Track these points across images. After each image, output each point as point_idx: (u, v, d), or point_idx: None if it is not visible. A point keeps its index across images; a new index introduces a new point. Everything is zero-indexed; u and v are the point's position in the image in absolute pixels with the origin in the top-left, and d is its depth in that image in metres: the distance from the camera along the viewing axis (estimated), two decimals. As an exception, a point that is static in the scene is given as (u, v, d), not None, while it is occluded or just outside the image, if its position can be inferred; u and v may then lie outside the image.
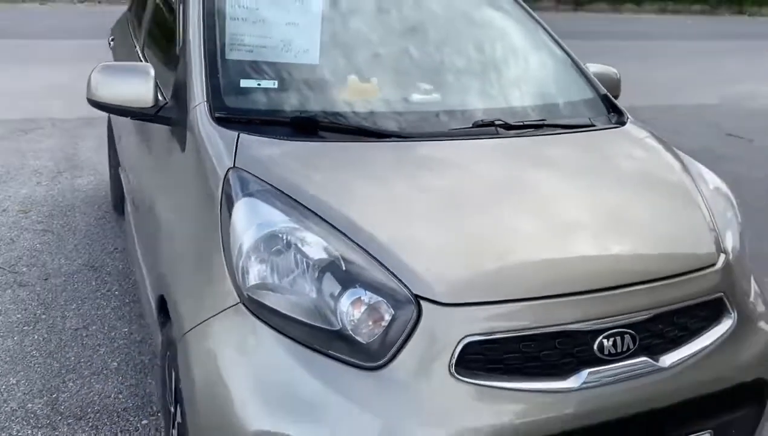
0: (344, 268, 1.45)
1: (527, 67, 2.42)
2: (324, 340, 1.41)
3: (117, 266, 3.37)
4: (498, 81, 2.30)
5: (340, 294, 1.43)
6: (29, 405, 2.35)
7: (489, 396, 1.37)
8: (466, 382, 1.36)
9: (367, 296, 1.42)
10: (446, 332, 1.38)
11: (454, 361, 1.36)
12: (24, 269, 3.28)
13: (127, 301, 3.05)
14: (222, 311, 1.48)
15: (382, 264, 1.44)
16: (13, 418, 2.28)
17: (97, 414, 2.32)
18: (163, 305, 1.90)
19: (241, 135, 1.73)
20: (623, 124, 2.21)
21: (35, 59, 7.83)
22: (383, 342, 1.39)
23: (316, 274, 1.46)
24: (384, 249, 1.46)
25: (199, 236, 1.66)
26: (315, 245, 1.48)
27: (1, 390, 2.41)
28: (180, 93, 1.97)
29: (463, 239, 1.54)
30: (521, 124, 2.00)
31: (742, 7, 21.17)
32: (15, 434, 2.21)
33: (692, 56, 11.87)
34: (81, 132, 5.54)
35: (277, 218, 1.53)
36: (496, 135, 1.95)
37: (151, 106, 1.96)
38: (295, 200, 1.55)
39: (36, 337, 2.74)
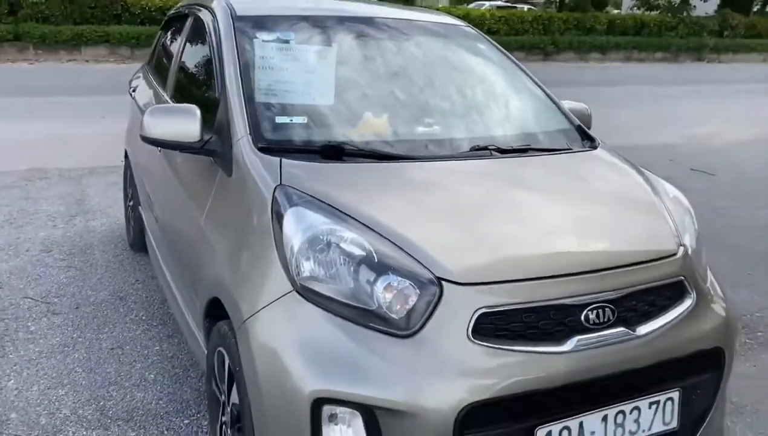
0: (376, 259, 1.79)
1: (513, 102, 2.83)
2: (364, 317, 1.74)
3: (141, 295, 3.65)
4: (489, 114, 2.72)
5: (375, 281, 1.77)
6: (80, 411, 2.61)
7: (498, 356, 1.70)
8: (480, 345, 1.69)
9: (397, 281, 1.76)
10: (464, 305, 1.72)
11: (470, 328, 1.70)
12: (55, 300, 3.55)
13: (155, 324, 3.33)
14: (279, 298, 1.81)
15: (408, 254, 1.78)
16: (67, 422, 2.54)
17: (143, 417, 2.59)
18: (210, 310, 2.22)
19: (283, 159, 2.09)
20: (595, 148, 2.61)
21: (34, 115, 8.17)
22: (412, 316, 1.72)
23: (354, 265, 1.80)
24: (409, 242, 1.80)
25: (252, 242, 1.99)
26: (351, 242, 1.82)
27: (53, 400, 2.67)
28: (223, 129, 2.32)
29: (473, 234, 1.90)
30: (511, 148, 2.39)
31: (701, 55, 22.30)
32: (72, 434, 2.47)
33: (657, 100, 12.59)
34: (86, 180, 5.85)
35: (319, 221, 1.87)
36: (490, 157, 2.33)
37: (198, 141, 2.31)
38: (332, 206, 1.90)
39: (76, 356, 3.01)
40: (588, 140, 2.67)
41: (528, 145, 2.48)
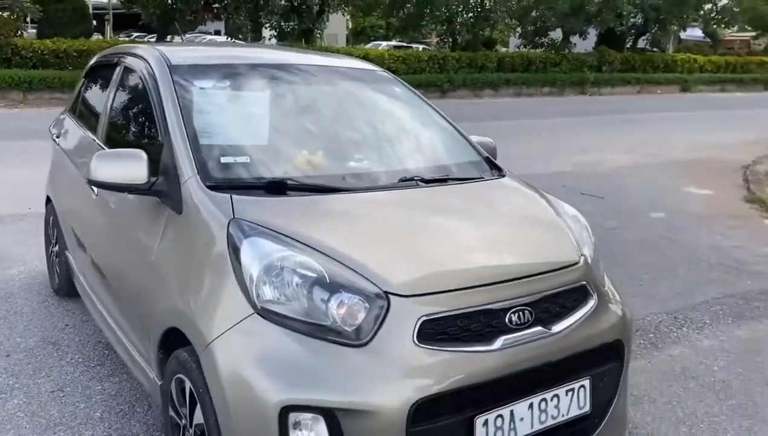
0: (328, 279, 2.02)
1: (430, 138, 3.17)
2: (320, 331, 1.96)
3: (73, 339, 3.67)
4: (410, 149, 3.03)
5: (329, 299, 2.00)
6: (29, 454, 2.65)
7: (439, 356, 1.96)
8: (424, 348, 1.95)
9: (348, 298, 1.99)
10: (408, 314, 1.98)
11: (415, 333, 1.96)
12: (-17, 350, 3.52)
13: (93, 365, 3.38)
14: (241, 321, 2.00)
15: (357, 272, 2.02)
16: (17, 464, 2.58)
17: (95, 453, 2.67)
18: (163, 341, 2.37)
19: (233, 196, 2.29)
20: (503, 176, 2.97)
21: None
22: (364, 328, 1.96)
23: (308, 286, 2.02)
24: (356, 262, 2.05)
25: (208, 272, 2.17)
26: (304, 265, 2.04)
27: (-1, 445, 2.69)
28: (169, 171, 2.49)
29: (410, 253, 2.17)
30: (433, 178, 2.70)
31: (583, 88, 23.99)
32: (25, 475, 2.51)
33: (547, 132, 13.52)
34: (-5, 229, 5.71)
35: (273, 249, 2.08)
36: (416, 186, 2.62)
37: (146, 182, 2.47)
38: (283, 235, 2.13)
39: (16, 402, 3.02)
40: (496, 170, 3.03)
41: (446, 175, 2.80)
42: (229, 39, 19.83)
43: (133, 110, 3.19)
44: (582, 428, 2.29)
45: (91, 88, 3.90)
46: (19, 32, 15.97)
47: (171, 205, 2.44)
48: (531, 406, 2.11)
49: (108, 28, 26.40)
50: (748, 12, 30.89)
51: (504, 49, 30.52)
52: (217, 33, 34.26)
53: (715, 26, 31.93)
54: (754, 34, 36.16)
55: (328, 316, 1.98)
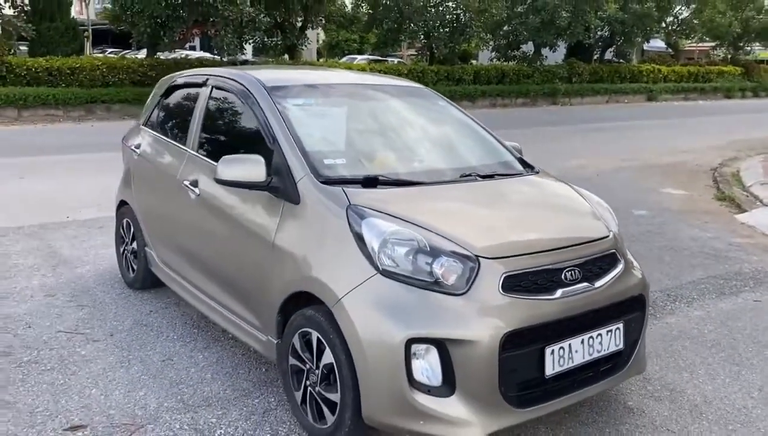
0: (428, 248, 2.67)
1: (473, 142, 3.87)
2: (429, 286, 2.61)
3: (161, 321, 4.25)
4: (460, 151, 3.73)
5: (432, 262, 2.64)
6: (165, 403, 3.23)
7: (518, 303, 2.62)
8: (507, 296, 2.61)
9: (446, 261, 2.64)
10: (494, 271, 2.64)
11: (500, 285, 2.62)
12: (87, 331, 4.07)
13: (188, 341, 3.96)
14: (367, 279, 2.63)
15: (452, 242, 2.68)
16: (160, 410, 3.16)
17: (219, 402, 3.25)
18: (283, 307, 2.99)
19: (345, 187, 2.93)
20: (538, 172, 3.66)
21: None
22: (461, 282, 2.61)
23: (413, 254, 2.67)
24: (450, 234, 2.70)
25: (332, 245, 2.80)
26: (410, 238, 2.69)
27: (137, 399, 3.27)
28: (282, 171, 3.11)
29: (488, 226, 2.86)
30: (488, 174, 3.39)
31: (555, 99, 25.01)
32: (168, 418, 3.10)
33: (524, 140, 14.13)
34: (43, 235, 6.20)
35: (385, 226, 2.73)
36: (475, 180, 3.30)
37: (264, 181, 3.10)
38: (391, 215, 2.77)
39: (136, 368, 3.59)
40: (530, 168, 3.72)
41: (495, 172, 3.49)
42: (218, 55, 20.32)
43: (229, 123, 3.81)
44: (617, 362, 2.97)
45: (172, 105, 4.49)
46: (12, 51, 16.30)
47: (287, 198, 3.07)
48: (583, 341, 2.78)
49: (88, 45, 26.65)
50: (707, 24, 32.45)
51: (474, 62, 31.51)
52: (192, 49, 34.69)
53: (676, 38, 33.48)
54: (712, 44, 37.81)
55: (433, 275, 2.63)
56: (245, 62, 21.19)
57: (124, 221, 4.82)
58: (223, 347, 3.86)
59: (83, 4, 30.17)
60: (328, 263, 2.81)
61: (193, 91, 4.18)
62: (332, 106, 3.68)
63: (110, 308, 4.46)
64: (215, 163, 3.50)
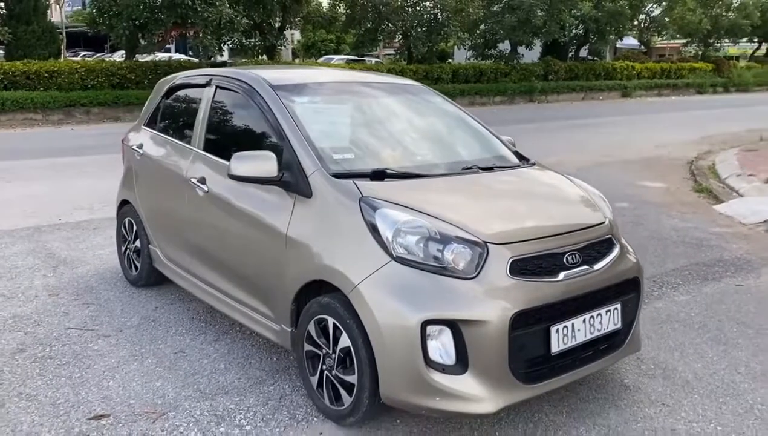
0: (439, 236, 2.83)
1: (471, 136, 4.02)
2: (441, 271, 2.76)
3: (168, 316, 4.35)
4: (460, 145, 3.88)
5: (443, 249, 2.80)
6: (183, 393, 3.34)
7: (525, 285, 2.78)
8: (514, 279, 2.78)
9: (456, 247, 2.80)
10: (502, 256, 2.80)
11: (507, 269, 2.78)
12: (96, 327, 4.16)
13: (197, 334, 4.06)
14: (383, 266, 2.78)
15: (461, 229, 2.83)
16: (179, 399, 3.26)
17: (235, 390, 3.37)
18: (297, 297, 3.12)
19: (355, 181, 3.07)
20: (533, 164, 3.83)
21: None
22: (471, 266, 2.76)
23: (424, 242, 2.82)
24: (459, 221, 2.85)
25: (347, 235, 2.94)
26: (421, 227, 2.84)
27: (155, 389, 3.37)
28: (293, 166, 3.24)
29: (494, 214, 3.02)
30: (488, 166, 3.55)
31: (532, 96, 25.35)
32: (188, 405, 3.21)
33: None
34: (38, 238, 6.25)
35: (399, 216, 2.87)
36: (476, 172, 3.46)
37: (276, 176, 3.23)
38: (402, 205, 2.92)
39: (150, 361, 3.70)
40: (525, 160, 3.89)
41: (494, 164, 3.65)
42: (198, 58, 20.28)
43: (236, 121, 3.93)
44: (615, 341, 3.15)
45: (175, 105, 4.59)
46: (-12, 55, 16.17)
47: (299, 191, 3.20)
48: (584, 321, 2.95)
49: (63, 47, 26.39)
50: (678, 21, 33.10)
51: (450, 61, 31.78)
52: (167, 51, 34.51)
53: (648, 35, 34.11)
54: (683, 41, 38.58)
55: (444, 260, 2.78)
56: (224, 63, 21.20)
57: (126, 220, 4.90)
58: (233, 339, 3.97)
59: (56, 6, 29.85)
60: (343, 252, 2.95)
61: (196, 91, 4.28)
62: (336, 104, 3.82)
63: (116, 305, 4.55)
64: (223, 161, 3.65)
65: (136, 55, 18.67)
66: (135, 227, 4.77)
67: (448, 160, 3.62)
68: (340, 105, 3.83)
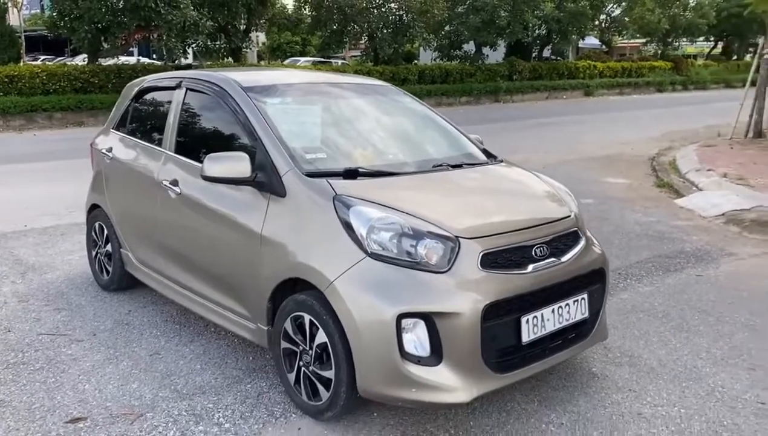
0: (412, 232, 2.90)
1: (439, 135, 4.11)
2: (415, 266, 2.83)
3: (142, 319, 4.34)
4: (429, 144, 3.97)
5: (416, 244, 2.87)
6: (160, 393, 3.35)
7: (495, 277, 2.87)
8: (485, 272, 2.86)
9: (429, 242, 2.87)
10: (473, 250, 2.88)
11: (479, 262, 2.86)
12: (69, 332, 4.14)
13: (171, 336, 4.07)
14: (358, 262, 2.84)
15: (433, 224, 2.91)
16: (156, 399, 3.28)
17: (213, 389, 3.40)
18: (272, 295, 3.17)
19: (329, 179, 3.13)
20: (501, 162, 3.94)
21: None
22: (443, 261, 2.84)
23: (397, 238, 2.89)
24: (431, 217, 2.93)
25: (321, 233, 2.99)
26: (394, 223, 2.91)
27: (132, 391, 3.38)
28: (266, 166, 3.28)
29: (466, 210, 3.10)
30: (457, 164, 3.64)
31: (497, 96, 25.63)
32: (165, 405, 3.23)
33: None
34: (4, 244, 6.15)
35: (372, 213, 2.94)
36: (447, 170, 3.54)
37: (250, 176, 3.27)
38: (375, 203, 2.98)
39: (126, 363, 3.70)
40: (493, 158, 3.99)
41: (463, 162, 3.74)
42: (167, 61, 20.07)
43: (207, 123, 3.95)
44: (582, 330, 3.26)
45: (144, 108, 4.59)
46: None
47: (273, 191, 3.24)
48: (553, 311, 3.05)
49: (22, 52, 25.86)
50: (638, 21, 33.79)
51: (416, 62, 31.97)
52: (130, 54, 34.04)
53: (609, 35, 34.77)
54: (643, 41, 39.40)
55: (417, 255, 2.86)
56: (188, 66, 21.00)
57: (97, 224, 4.88)
58: (208, 340, 3.99)
59: (14, 10, 29.21)
60: (318, 249, 3.00)
61: (165, 93, 4.29)
62: (307, 104, 3.87)
63: (88, 309, 4.52)
64: (195, 163, 3.68)
65: (99, 59, 18.40)
66: (106, 231, 4.75)
67: (418, 159, 3.70)
68: (311, 105, 3.88)
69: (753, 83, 12.86)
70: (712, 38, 43.43)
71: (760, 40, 13.21)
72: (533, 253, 3.05)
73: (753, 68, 12.96)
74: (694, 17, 35.39)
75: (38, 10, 39.47)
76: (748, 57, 40.54)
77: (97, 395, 3.35)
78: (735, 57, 43.26)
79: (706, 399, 3.34)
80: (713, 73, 36.83)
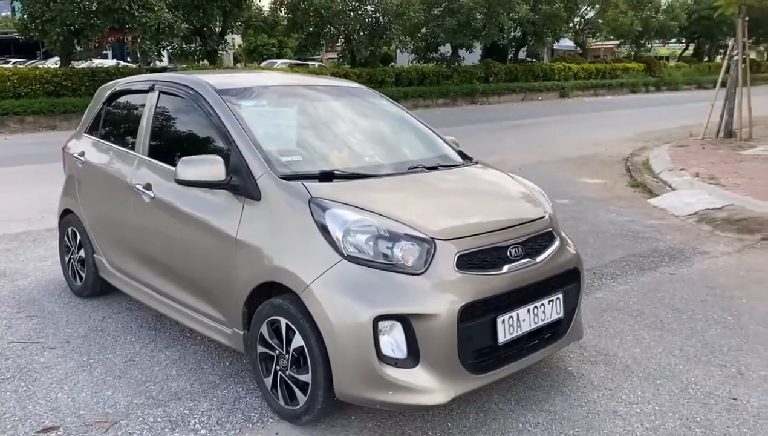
0: (388, 234, 2.90)
1: (415, 137, 4.12)
2: (391, 268, 2.83)
3: (116, 325, 4.29)
4: (405, 146, 3.97)
5: (393, 247, 2.87)
6: (135, 400, 3.31)
7: (471, 278, 2.88)
8: (461, 273, 2.87)
9: (405, 244, 2.87)
10: (449, 251, 2.89)
11: (454, 264, 2.87)
12: (41, 340, 4.07)
13: (147, 342, 4.03)
14: (334, 265, 2.83)
15: (409, 226, 2.91)
16: (130, 407, 3.24)
17: (189, 395, 3.36)
18: (248, 300, 3.15)
19: (304, 182, 3.12)
20: (476, 163, 3.95)
21: None
22: (419, 263, 2.85)
23: (374, 240, 2.89)
24: (406, 219, 2.93)
25: (296, 236, 2.98)
26: (370, 226, 2.91)
27: (106, 398, 3.33)
28: (241, 170, 3.26)
29: (441, 211, 3.10)
30: (432, 166, 3.65)
31: (474, 98, 25.75)
32: (141, 413, 3.19)
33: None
34: (-25, 251, 6.06)
35: (348, 216, 2.93)
36: (422, 171, 3.55)
37: (224, 180, 3.25)
38: (351, 205, 2.98)
39: (100, 371, 3.65)
40: (469, 159, 4.01)
41: (439, 163, 3.75)
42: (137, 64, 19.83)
43: (180, 126, 3.91)
44: (557, 330, 3.29)
45: (117, 111, 4.53)
46: None
47: (247, 194, 3.22)
48: (529, 311, 3.07)
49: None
50: (611, 23, 34.19)
51: (393, 64, 32.01)
52: (104, 57, 33.68)
53: (583, 37, 35.14)
54: (617, 42, 39.85)
55: (394, 257, 2.86)
56: (163, 69, 20.81)
57: (69, 229, 4.81)
58: (183, 346, 3.96)
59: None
60: (294, 252, 2.99)
61: (138, 97, 4.25)
62: (282, 107, 3.86)
63: (61, 316, 4.46)
64: (169, 166, 3.65)
65: (72, 62, 18.15)
66: (79, 237, 4.69)
67: (394, 161, 3.70)
68: (286, 108, 3.87)
69: (723, 84, 13.07)
70: (683, 40, 44.06)
71: (730, 42, 13.41)
72: (508, 253, 3.06)
73: (723, 69, 13.17)
74: (665, 19, 35.92)
75: (9, 13, 38.89)
76: (718, 58, 41.22)
77: (70, 403, 3.30)
78: (706, 58, 43.94)
79: (679, 396, 3.38)
80: (685, 75, 37.35)
